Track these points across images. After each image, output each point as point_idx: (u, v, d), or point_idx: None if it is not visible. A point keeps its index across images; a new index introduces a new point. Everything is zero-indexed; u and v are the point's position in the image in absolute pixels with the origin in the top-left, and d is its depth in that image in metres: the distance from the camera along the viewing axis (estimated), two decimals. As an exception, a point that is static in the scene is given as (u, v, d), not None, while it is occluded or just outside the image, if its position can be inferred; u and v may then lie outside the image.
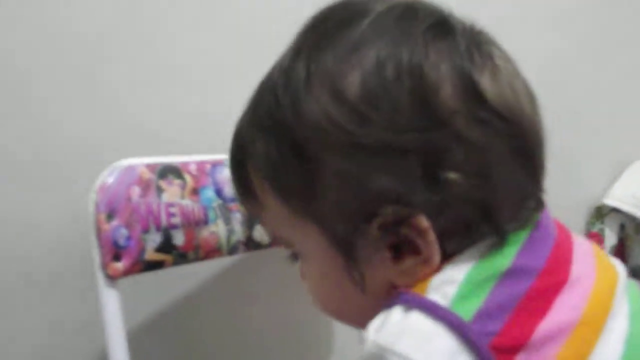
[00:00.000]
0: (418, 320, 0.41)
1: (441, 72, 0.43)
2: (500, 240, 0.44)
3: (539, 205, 0.48)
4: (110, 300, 0.71)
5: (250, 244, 0.80)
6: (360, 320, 0.44)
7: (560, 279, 0.45)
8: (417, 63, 0.42)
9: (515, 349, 0.40)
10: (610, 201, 1.45)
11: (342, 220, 0.45)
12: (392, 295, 0.44)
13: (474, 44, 0.45)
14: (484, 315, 0.41)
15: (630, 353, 0.44)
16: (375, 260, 0.46)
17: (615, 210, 1.47)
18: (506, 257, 0.44)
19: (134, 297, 0.75)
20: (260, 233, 0.80)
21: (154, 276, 0.75)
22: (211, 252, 0.77)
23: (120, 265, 0.70)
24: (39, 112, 0.78)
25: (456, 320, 0.40)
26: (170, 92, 0.85)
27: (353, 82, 0.43)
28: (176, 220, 0.74)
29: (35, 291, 0.81)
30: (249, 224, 0.80)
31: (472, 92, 0.43)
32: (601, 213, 1.49)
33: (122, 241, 0.70)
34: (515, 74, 0.47)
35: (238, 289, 0.93)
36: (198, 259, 0.77)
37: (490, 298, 0.42)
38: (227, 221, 0.78)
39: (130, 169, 0.72)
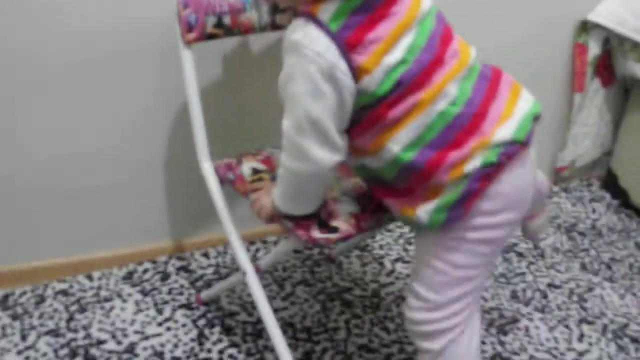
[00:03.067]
0: (311, 27, 0.84)
1: None
2: None
3: None
4: (187, 58, 1.19)
5: (274, 25, 1.26)
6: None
7: (384, 13, 0.86)
8: None
9: (357, 44, 0.84)
10: (594, 17, 1.72)
11: None
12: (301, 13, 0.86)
13: None
14: (343, 29, 0.84)
15: (407, 55, 0.86)
16: None
17: (598, 25, 1.74)
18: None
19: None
20: (279, 19, 1.24)
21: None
22: (248, 29, 1.24)
23: (192, 35, 1.18)
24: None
25: (328, 30, 0.84)
26: None
27: None
28: (225, 9, 1.19)
29: (138, 59, 1.33)
30: (273, 12, 1.24)
31: None
32: (586, 27, 1.76)
33: (192, 21, 1.16)
34: None
35: (263, 56, 1.41)
36: (240, 34, 1.24)
37: (345, 21, 0.84)
38: (258, 10, 1.23)
39: (196, -23, 1.17)
